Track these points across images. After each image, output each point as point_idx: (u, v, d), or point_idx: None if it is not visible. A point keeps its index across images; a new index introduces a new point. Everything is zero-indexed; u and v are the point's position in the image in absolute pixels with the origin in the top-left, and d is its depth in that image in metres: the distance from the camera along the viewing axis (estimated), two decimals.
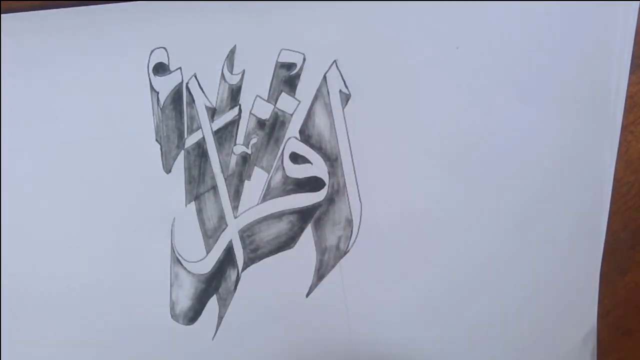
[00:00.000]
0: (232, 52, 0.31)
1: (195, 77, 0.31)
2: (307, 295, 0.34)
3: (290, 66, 0.31)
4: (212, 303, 0.34)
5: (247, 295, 0.34)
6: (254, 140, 0.33)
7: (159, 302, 0.34)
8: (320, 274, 0.34)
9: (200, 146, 0.32)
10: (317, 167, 0.33)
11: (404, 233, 0.34)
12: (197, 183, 0.33)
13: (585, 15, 0.31)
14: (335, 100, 0.32)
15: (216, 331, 0.35)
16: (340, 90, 0.32)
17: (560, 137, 0.33)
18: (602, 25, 0.31)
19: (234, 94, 0.32)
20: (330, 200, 0.33)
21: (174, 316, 0.34)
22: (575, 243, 0.34)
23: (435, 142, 0.33)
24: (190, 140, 0.32)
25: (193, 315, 0.34)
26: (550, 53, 0.31)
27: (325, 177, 0.33)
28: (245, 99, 0.32)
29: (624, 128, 0.32)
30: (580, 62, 0.31)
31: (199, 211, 0.33)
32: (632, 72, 0.32)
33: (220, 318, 0.34)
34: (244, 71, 0.31)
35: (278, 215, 0.33)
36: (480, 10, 0.31)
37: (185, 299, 0.34)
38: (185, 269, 0.34)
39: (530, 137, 0.33)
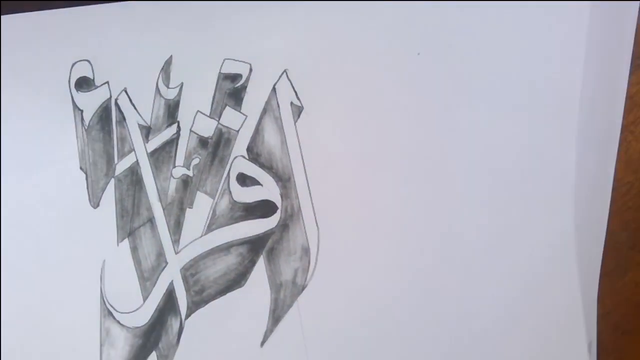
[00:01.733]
0: (168, 63, 0.31)
1: (126, 92, 0.31)
2: (262, 344, 0.32)
3: (235, 77, 0.31)
4: None
5: (192, 349, 0.32)
6: (195, 161, 0.31)
7: None
8: (275, 317, 0.32)
9: (134, 172, 0.31)
10: (268, 189, 0.32)
11: (367, 260, 0.32)
12: (131, 216, 0.31)
13: (585, 16, 0.32)
14: (286, 113, 0.31)
15: None
16: (291, 103, 0.31)
17: (560, 137, 0.33)
18: (602, 25, 0.32)
19: (171, 109, 0.31)
20: (283, 226, 0.32)
21: None
22: (574, 243, 0.33)
23: (395, 155, 0.32)
24: (122, 166, 0.31)
25: None
26: (550, 53, 0.32)
27: (277, 200, 0.32)
28: (184, 115, 0.31)
29: (624, 128, 0.33)
30: (580, 62, 0.32)
31: (134, 249, 0.31)
32: (632, 72, 0.33)
33: None
34: (182, 84, 0.31)
35: (225, 247, 0.32)
36: (473, 11, 0.31)
37: None
38: (118, 322, 0.31)
39: (531, 138, 0.32)
